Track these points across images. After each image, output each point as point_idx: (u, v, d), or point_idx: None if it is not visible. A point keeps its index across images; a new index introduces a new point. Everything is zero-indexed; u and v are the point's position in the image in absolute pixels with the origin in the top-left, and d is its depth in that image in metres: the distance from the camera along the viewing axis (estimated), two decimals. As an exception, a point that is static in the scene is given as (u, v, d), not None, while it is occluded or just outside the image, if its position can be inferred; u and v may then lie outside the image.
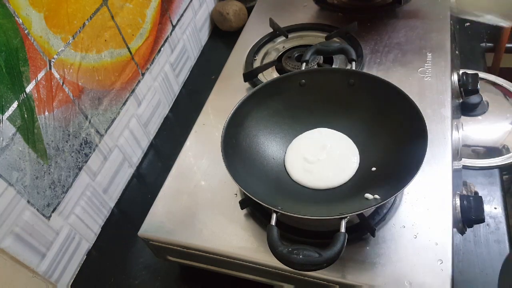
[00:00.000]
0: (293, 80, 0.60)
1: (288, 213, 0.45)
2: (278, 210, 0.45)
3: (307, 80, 0.60)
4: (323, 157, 0.57)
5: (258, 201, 0.46)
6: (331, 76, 0.60)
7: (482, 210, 0.53)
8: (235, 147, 0.54)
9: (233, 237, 0.53)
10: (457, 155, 0.59)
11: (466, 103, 0.74)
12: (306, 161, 0.56)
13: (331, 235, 0.43)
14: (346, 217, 0.44)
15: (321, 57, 0.74)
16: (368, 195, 0.49)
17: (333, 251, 0.41)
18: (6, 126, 0.50)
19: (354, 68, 0.61)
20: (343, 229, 0.43)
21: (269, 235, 0.43)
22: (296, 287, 0.52)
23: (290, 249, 0.41)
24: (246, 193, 0.47)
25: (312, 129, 0.60)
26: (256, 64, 0.78)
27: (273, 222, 0.45)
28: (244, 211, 0.55)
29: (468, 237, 0.61)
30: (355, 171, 0.55)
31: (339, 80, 0.59)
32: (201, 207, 0.56)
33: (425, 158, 0.47)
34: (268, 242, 0.43)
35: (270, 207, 0.46)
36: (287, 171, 0.57)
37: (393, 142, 0.54)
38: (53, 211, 0.59)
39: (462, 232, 0.55)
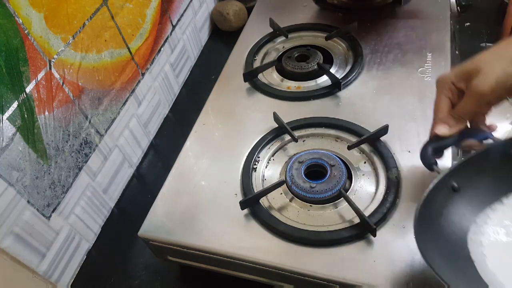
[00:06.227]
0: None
1: None
2: None
3: None
4: None
5: None
6: None
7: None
8: (435, 221, 0.46)
9: (233, 237, 0.53)
10: (457, 155, 0.59)
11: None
12: None
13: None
14: None
15: (321, 57, 0.74)
16: None
17: None
18: (6, 126, 0.50)
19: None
20: None
21: None
22: (296, 287, 0.52)
23: None
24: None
25: None
26: (256, 64, 0.78)
27: None
28: (244, 211, 0.55)
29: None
30: None
31: None
32: (201, 207, 0.56)
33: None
34: None
35: None
36: None
37: None
38: (53, 211, 0.59)
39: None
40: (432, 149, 0.49)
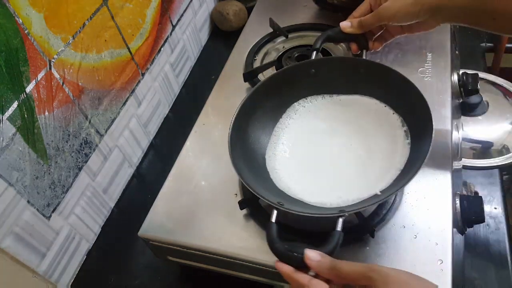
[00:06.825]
0: (304, 69, 0.60)
1: (290, 211, 0.45)
2: (279, 207, 0.46)
3: (318, 69, 0.60)
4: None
5: (262, 197, 0.47)
6: (341, 64, 0.60)
7: (482, 210, 0.53)
8: (242, 140, 0.55)
9: (233, 237, 0.53)
10: (457, 155, 0.59)
11: (466, 103, 0.74)
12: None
13: (327, 235, 0.43)
14: (345, 214, 0.44)
15: (321, 57, 0.74)
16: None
17: (327, 248, 0.42)
18: (6, 126, 0.50)
19: (364, 56, 0.61)
20: (339, 228, 0.43)
21: (268, 231, 0.44)
22: (296, 287, 0.52)
23: (287, 246, 0.42)
24: (251, 188, 0.47)
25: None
26: (256, 64, 0.78)
27: (273, 219, 0.45)
28: (244, 211, 0.55)
29: (468, 237, 0.61)
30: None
31: (350, 68, 0.59)
32: (201, 207, 0.56)
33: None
34: (267, 238, 0.44)
35: (272, 203, 0.46)
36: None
37: None
38: (53, 211, 0.59)
39: (462, 232, 0.55)
40: (327, 35, 0.63)
